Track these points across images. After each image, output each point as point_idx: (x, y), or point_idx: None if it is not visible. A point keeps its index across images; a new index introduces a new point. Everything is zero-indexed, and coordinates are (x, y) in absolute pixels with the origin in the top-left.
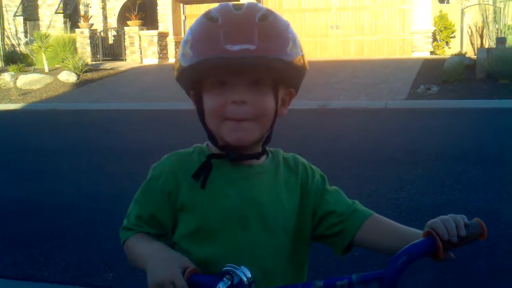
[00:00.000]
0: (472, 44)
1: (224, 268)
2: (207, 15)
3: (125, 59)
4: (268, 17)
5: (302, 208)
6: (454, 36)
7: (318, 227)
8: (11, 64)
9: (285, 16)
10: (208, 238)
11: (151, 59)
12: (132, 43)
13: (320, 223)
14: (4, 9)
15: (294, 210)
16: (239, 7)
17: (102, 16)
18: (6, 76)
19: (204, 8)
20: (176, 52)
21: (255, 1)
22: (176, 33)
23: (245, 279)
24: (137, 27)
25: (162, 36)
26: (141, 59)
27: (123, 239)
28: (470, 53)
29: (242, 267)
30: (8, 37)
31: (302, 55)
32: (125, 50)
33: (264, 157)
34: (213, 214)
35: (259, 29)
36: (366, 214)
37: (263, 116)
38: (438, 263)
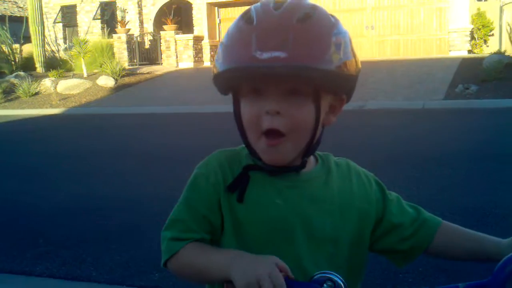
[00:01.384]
0: (511, 42)
1: (317, 275)
2: (245, 15)
3: (161, 63)
4: (309, 17)
5: (361, 219)
6: (493, 34)
7: (383, 240)
8: (51, 70)
9: None
10: (253, 249)
11: (187, 62)
12: (168, 47)
13: (386, 236)
14: (44, 16)
15: (351, 222)
16: (279, 5)
17: (138, 21)
18: (47, 82)
19: (239, 11)
20: (211, 55)
21: None
22: (211, 36)
23: (343, 285)
24: (172, 31)
25: (197, 40)
26: (177, 63)
27: (171, 252)
28: (510, 52)
29: (333, 272)
30: (48, 43)
31: (350, 60)
32: (161, 54)
33: (313, 163)
34: (258, 225)
35: (295, 33)
36: (436, 224)
37: (299, 129)
38: None
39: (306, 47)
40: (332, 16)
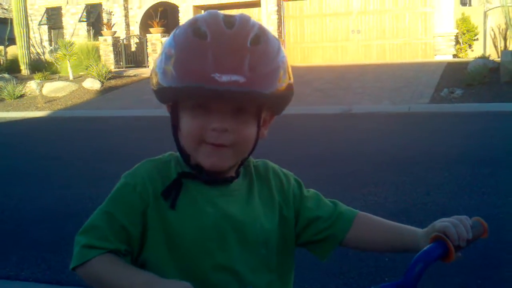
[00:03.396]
0: (495, 46)
1: None
2: (195, 30)
3: (148, 66)
4: (260, 39)
5: (283, 218)
6: (477, 38)
7: (303, 234)
8: (36, 72)
9: (306, 21)
10: (185, 257)
11: None
12: (154, 50)
13: (304, 230)
14: (29, 18)
15: (274, 223)
16: (230, 23)
17: (124, 24)
18: (32, 84)
19: None
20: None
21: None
22: None
23: None
24: (159, 34)
25: None
26: None
27: (82, 260)
28: (494, 56)
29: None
30: (33, 45)
31: (291, 82)
32: (147, 57)
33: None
34: (190, 233)
35: (251, 56)
36: (352, 216)
37: (243, 144)
38: (447, 263)
39: (260, 72)
40: (275, 37)
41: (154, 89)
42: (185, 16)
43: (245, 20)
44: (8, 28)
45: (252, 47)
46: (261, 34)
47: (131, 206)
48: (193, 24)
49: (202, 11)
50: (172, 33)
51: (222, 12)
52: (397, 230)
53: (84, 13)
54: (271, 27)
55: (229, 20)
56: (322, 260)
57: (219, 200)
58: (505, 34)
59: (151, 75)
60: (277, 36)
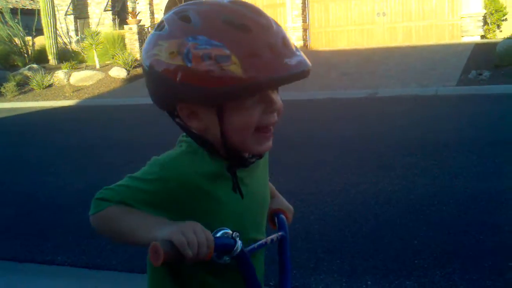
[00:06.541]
0: None
1: (222, 231)
2: (239, 27)
3: None
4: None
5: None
6: (506, 19)
7: None
8: (63, 62)
9: (330, 5)
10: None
11: None
12: None
13: None
14: (55, 8)
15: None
16: (255, 11)
17: (149, 12)
18: (60, 74)
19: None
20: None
21: None
22: None
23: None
24: None
25: None
26: None
27: (102, 207)
28: None
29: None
30: (60, 35)
31: None
32: None
33: None
34: (230, 217)
35: (286, 35)
36: None
37: (279, 118)
38: None
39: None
40: None
41: (234, 89)
42: None
43: (254, 5)
44: (36, 19)
45: (280, 27)
46: None
47: (156, 199)
48: (229, 21)
49: None
50: (199, 36)
51: None
52: None
53: (109, 2)
54: (295, 12)
55: (250, 8)
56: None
57: (248, 181)
58: None
59: (180, 82)
60: (301, 21)
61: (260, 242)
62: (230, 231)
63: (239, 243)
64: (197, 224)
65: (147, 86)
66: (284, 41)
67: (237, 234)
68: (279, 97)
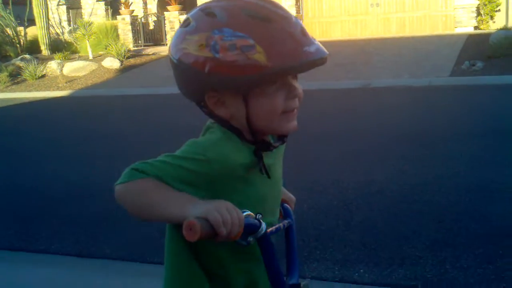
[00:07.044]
0: None
1: (245, 212)
2: (263, 18)
3: (166, 44)
4: None
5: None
6: (499, 10)
7: None
8: (56, 52)
9: None
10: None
11: None
12: (172, 28)
13: None
14: None
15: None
16: (275, 3)
17: (142, 2)
18: (53, 64)
19: None
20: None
21: None
22: None
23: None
24: (177, 12)
25: None
26: None
27: (136, 177)
28: None
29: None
30: (52, 26)
31: None
32: (165, 35)
33: None
34: (256, 198)
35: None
36: None
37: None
38: None
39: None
40: None
41: (259, 76)
42: None
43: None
44: (27, 9)
45: (298, 18)
46: None
47: (194, 175)
48: (254, 13)
49: None
50: (224, 29)
51: None
52: None
53: None
54: (289, 2)
55: (268, 2)
56: None
57: (273, 169)
58: None
59: (209, 73)
60: (295, 11)
61: (277, 225)
62: (252, 213)
63: (263, 224)
64: (230, 203)
65: (176, 79)
66: (303, 31)
67: (261, 216)
68: (299, 84)
